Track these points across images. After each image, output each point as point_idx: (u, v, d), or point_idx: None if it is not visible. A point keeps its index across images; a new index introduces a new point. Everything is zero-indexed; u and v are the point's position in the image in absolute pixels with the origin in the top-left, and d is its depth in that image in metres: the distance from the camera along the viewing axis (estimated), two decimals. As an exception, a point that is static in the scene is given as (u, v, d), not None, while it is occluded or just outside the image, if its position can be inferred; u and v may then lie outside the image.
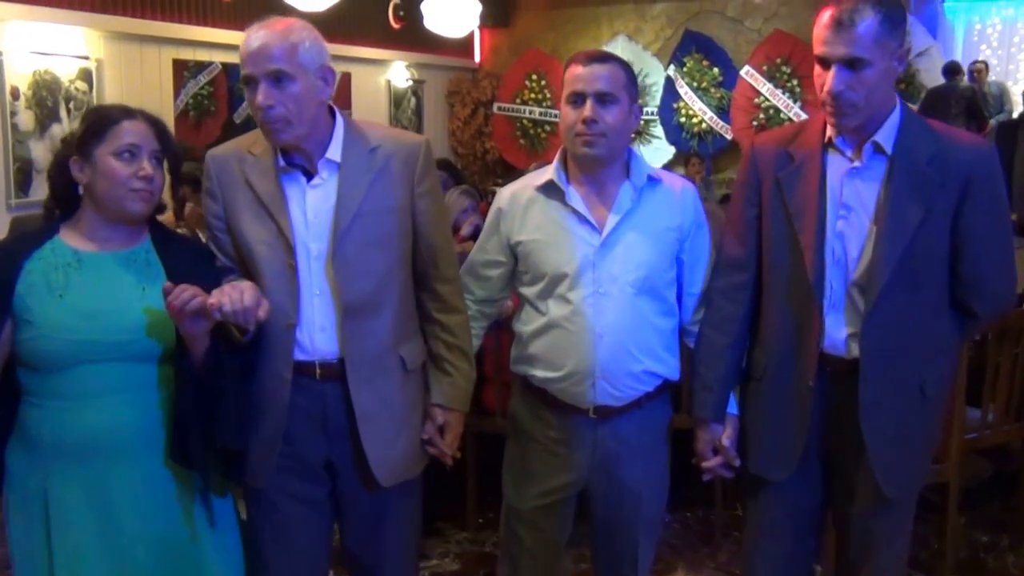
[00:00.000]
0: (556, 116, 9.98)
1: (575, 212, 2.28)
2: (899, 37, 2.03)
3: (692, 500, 3.94)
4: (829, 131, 2.15)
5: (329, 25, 7.83)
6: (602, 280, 2.25)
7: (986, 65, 9.23)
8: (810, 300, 2.13)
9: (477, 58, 10.67)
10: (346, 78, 8.68)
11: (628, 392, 2.30)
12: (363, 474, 2.20)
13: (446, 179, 5.24)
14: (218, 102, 7.42)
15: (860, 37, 1.98)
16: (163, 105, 6.77)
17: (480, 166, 10.38)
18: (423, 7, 7.70)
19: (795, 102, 9.17)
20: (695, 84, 9.60)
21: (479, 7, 7.85)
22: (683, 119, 9.62)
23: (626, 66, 2.30)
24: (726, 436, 2.32)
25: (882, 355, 2.11)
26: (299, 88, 2.03)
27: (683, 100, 9.68)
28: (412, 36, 9.09)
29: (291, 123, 2.04)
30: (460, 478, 3.73)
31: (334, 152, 2.14)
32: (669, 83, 9.76)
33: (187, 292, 1.85)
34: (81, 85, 6.00)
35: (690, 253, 2.35)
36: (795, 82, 9.20)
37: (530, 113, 10.26)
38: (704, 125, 9.56)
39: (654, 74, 9.90)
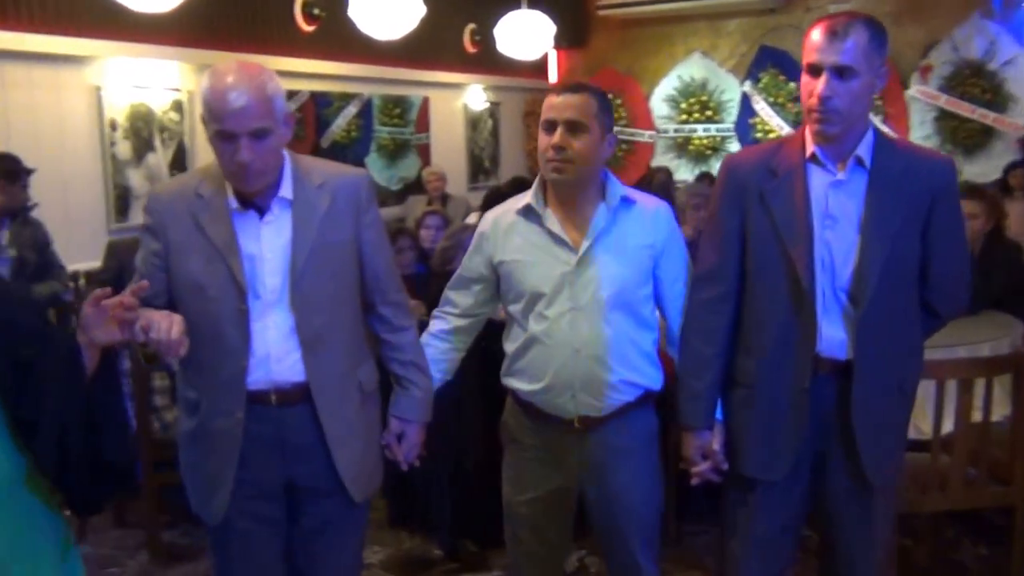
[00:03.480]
0: (632, 134, 10.13)
1: (552, 234, 2.39)
2: (883, 56, 2.19)
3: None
4: (810, 147, 2.26)
5: (407, 51, 8.04)
6: (578, 297, 2.36)
7: None
8: (804, 306, 2.24)
9: (552, 78, 10.79)
10: (425, 102, 8.89)
11: (608, 402, 2.40)
12: (326, 491, 2.27)
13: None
14: (306, 128, 7.69)
15: (851, 48, 2.13)
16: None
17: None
18: (497, 31, 7.82)
19: (875, 115, 9.07)
20: (771, 99, 9.59)
21: (553, 29, 7.93)
22: (759, 135, 9.60)
23: (600, 96, 2.38)
24: (716, 442, 2.41)
25: (871, 356, 2.24)
26: (274, 140, 2.09)
27: (760, 116, 9.67)
28: (488, 59, 9.25)
29: (264, 173, 2.11)
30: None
31: (286, 190, 2.18)
32: (745, 99, 9.77)
33: (126, 300, 1.75)
34: (174, 116, 6.31)
35: (666, 269, 2.45)
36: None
37: (606, 132, 10.33)
38: (781, 140, 9.48)
39: (730, 91, 9.92)
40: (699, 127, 10.02)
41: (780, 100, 9.55)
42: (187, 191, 2.20)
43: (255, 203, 2.18)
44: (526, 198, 2.45)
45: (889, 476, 2.35)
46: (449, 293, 2.62)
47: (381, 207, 8.07)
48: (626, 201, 2.41)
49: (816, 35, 2.18)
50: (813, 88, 2.18)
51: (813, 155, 2.26)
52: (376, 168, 8.38)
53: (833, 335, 2.26)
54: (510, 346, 2.49)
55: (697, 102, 10.01)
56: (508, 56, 8.20)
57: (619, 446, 2.44)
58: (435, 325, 2.63)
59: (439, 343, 2.60)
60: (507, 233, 2.46)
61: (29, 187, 4.82)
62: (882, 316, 2.22)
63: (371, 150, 8.34)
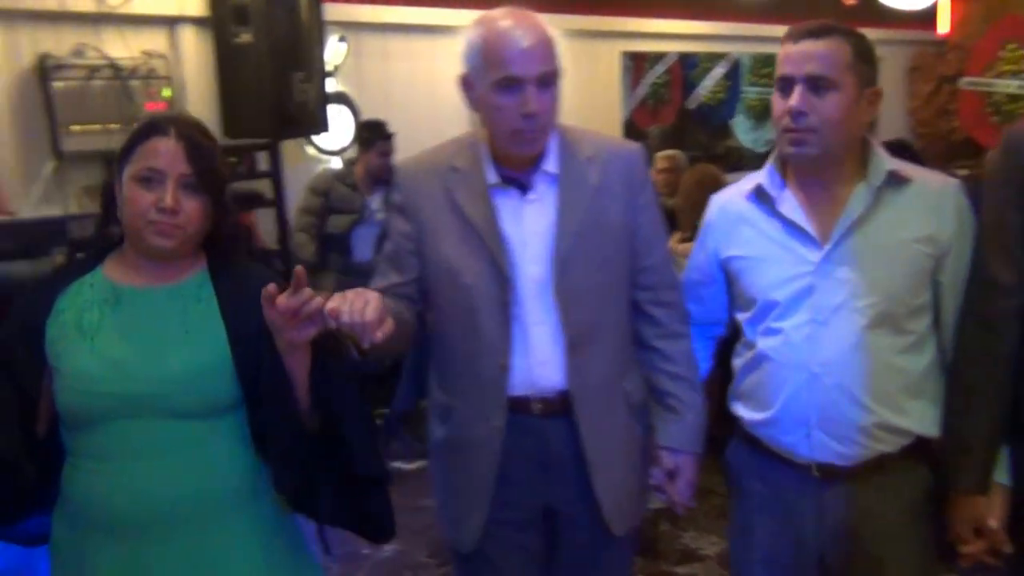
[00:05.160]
0: (1038, 88, 8.95)
1: (789, 222, 1.91)
2: None
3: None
4: None
5: (778, 6, 7.63)
6: (822, 306, 1.86)
7: None
8: None
9: (942, 29, 9.80)
10: (798, 60, 8.43)
11: (857, 450, 1.87)
12: (586, 520, 1.99)
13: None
14: (672, 90, 7.63)
15: None
16: (609, 98, 7.05)
17: (944, 147, 9.53)
18: (880, -21, 7.19)
19: None
20: None
21: (946, -26, 7.17)
22: None
23: (856, 40, 1.86)
24: (993, 515, 1.82)
25: None
26: (556, 92, 1.85)
27: None
28: (867, 11, 8.54)
29: (547, 131, 1.87)
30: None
31: (551, 163, 1.92)
32: None
33: (305, 292, 1.53)
34: (540, 82, 6.41)
35: (953, 273, 1.87)
36: None
37: (1006, 87, 9.24)
38: None
39: None
40: None
41: None
42: (440, 164, 1.97)
43: (517, 179, 1.92)
44: (759, 177, 1.98)
45: None
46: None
47: (745, 169, 7.82)
48: (896, 178, 1.87)
49: None
50: None
51: None
52: (742, 130, 8.19)
53: None
54: (737, 362, 2.04)
55: None
56: (890, 7, 7.52)
57: (875, 511, 1.89)
58: None
59: None
60: (736, 222, 2.00)
61: (391, 153, 4.94)
62: None
63: (737, 111, 8.14)
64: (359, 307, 1.54)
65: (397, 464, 4.65)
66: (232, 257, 1.74)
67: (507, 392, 1.91)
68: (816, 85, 1.82)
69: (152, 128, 1.62)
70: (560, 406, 1.93)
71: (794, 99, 1.83)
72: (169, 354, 1.60)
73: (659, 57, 7.47)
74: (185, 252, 1.67)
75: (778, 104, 1.88)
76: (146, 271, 1.66)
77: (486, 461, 1.94)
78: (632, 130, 7.28)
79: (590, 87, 6.81)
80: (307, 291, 1.53)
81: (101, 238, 1.72)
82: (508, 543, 2.01)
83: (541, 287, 1.90)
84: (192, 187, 1.61)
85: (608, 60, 7.04)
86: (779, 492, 1.97)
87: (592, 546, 2.03)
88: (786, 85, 1.86)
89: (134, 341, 1.61)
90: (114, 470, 1.59)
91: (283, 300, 1.51)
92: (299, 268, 1.53)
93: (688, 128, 7.80)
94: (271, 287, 1.52)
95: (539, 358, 1.92)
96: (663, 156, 6.21)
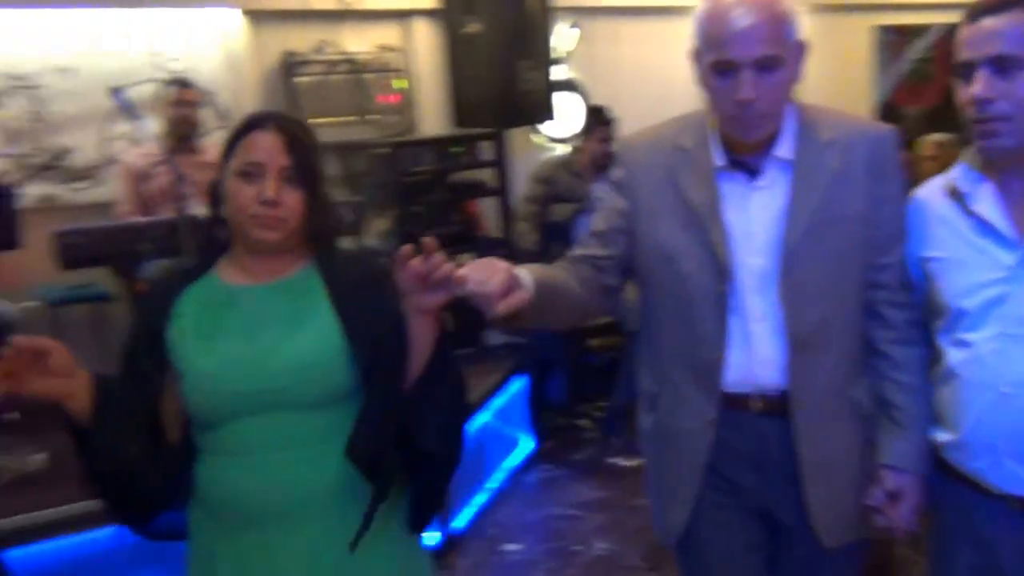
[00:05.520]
0: None
1: (980, 221, 1.70)
2: None
3: None
4: None
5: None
6: (1014, 317, 1.64)
7: None
8: None
9: None
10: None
11: None
12: (804, 531, 1.85)
13: None
14: (935, 67, 7.13)
15: None
16: (858, 77, 6.72)
17: None
18: None
19: None
20: None
21: None
22: None
23: None
24: None
25: None
26: (783, 75, 1.69)
27: None
28: None
29: (768, 118, 1.72)
30: None
31: (785, 148, 1.77)
32: None
33: (436, 258, 1.48)
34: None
35: None
36: None
37: None
38: None
39: None
40: None
41: None
42: (664, 143, 1.87)
43: (746, 162, 1.79)
44: (954, 171, 1.79)
45: None
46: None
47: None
48: None
49: None
50: None
51: None
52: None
53: None
54: (933, 375, 1.83)
55: None
56: None
57: None
58: None
59: None
60: (931, 220, 1.79)
61: (612, 139, 4.78)
62: None
63: (1008, 88, 7.45)
64: (486, 276, 1.51)
65: (615, 460, 4.56)
66: (335, 248, 1.76)
67: (722, 387, 1.83)
68: (1002, 67, 1.61)
69: (252, 123, 1.66)
70: (780, 406, 1.81)
71: (977, 86, 1.62)
72: (285, 348, 1.64)
73: (922, 30, 6.93)
74: (290, 246, 1.70)
75: (961, 93, 1.67)
76: (255, 269, 1.70)
77: (696, 453, 1.87)
78: (890, 111, 6.82)
79: (836, 65, 6.40)
80: (438, 257, 1.49)
81: (210, 240, 1.75)
82: (725, 534, 1.92)
83: (764, 281, 1.78)
84: (293, 180, 1.63)
85: (858, 35, 6.61)
86: (976, 524, 1.76)
87: (811, 562, 1.90)
88: (967, 71, 1.65)
89: (251, 339, 1.65)
90: (241, 464, 1.64)
91: (415, 263, 1.49)
92: (428, 239, 1.48)
93: (953, 109, 7.19)
94: (406, 248, 1.49)
95: (759, 356, 1.81)
96: (932, 141, 5.71)
